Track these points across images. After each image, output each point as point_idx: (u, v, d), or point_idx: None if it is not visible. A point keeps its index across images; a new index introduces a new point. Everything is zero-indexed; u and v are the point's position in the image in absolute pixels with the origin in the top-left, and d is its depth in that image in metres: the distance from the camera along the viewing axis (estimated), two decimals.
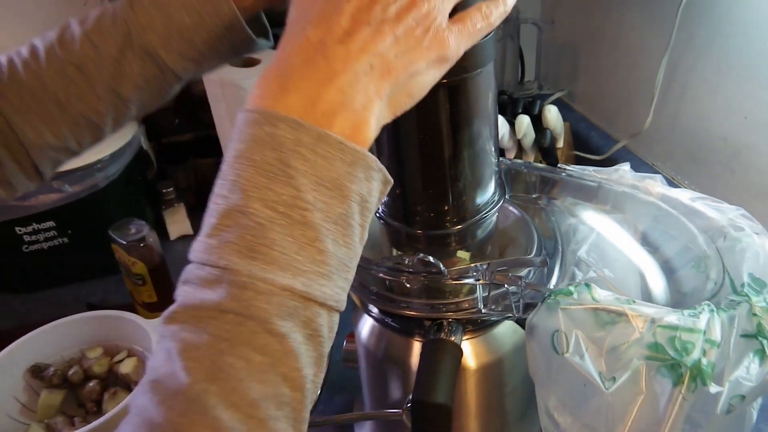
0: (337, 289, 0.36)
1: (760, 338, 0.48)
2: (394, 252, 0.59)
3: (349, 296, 0.39)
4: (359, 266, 0.39)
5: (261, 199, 0.34)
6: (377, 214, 0.58)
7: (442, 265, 0.51)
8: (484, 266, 0.52)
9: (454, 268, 0.52)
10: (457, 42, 0.40)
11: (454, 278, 0.52)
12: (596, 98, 1.28)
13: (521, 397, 0.65)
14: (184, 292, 0.35)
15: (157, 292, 0.93)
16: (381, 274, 0.56)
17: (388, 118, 0.39)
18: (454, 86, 0.48)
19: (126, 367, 0.83)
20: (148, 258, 0.90)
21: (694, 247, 0.59)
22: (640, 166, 1.11)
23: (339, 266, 0.36)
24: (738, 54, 0.89)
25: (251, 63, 0.97)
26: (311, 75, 0.37)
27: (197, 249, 0.35)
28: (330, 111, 0.36)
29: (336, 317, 0.37)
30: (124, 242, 0.89)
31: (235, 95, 0.95)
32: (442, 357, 0.51)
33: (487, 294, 0.52)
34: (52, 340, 0.84)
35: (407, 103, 0.40)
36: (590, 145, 1.21)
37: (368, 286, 0.58)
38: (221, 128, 1.01)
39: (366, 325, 0.63)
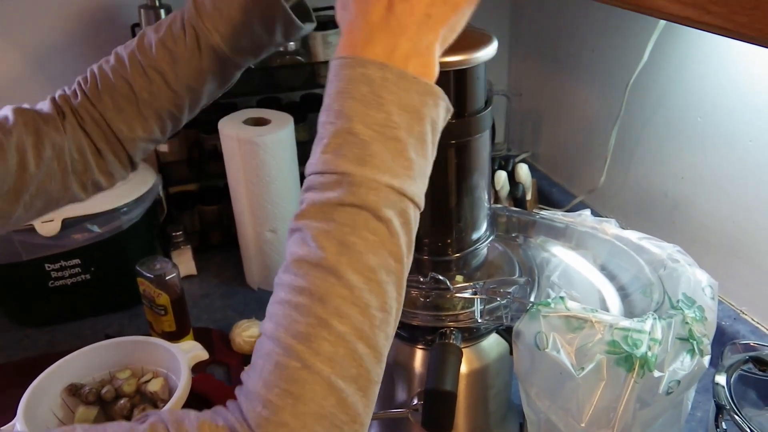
0: (419, 190, 0.47)
1: (691, 340, 0.63)
2: None
3: None
4: None
5: (362, 121, 0.45)
6: None
7: (449, 282, 0.65)
8: (481, 284, 0.66)
9: (457, 285, 0.66)
10: None
11: (458, 293, 0.66)
12: (557, 159, 1.42)
13: (503, 400, 0.78)
14: (309, 196, 0.45)
15: (176, 322, 1.03)
16: None
17: (439, 54, 0.49)
18: (461, 146, 0.63)
19: (154, 386, 0.91)
20: (172, 291, 1.01)
21: (642, 276, 0.73)
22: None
23: (419, 172, 0.47)
24: (675, 124, 1.04)
25: (262, 123, 1.12)
26: (388, 30, 0.47)
27: (315, 162, 0.45)
28: (405, 56, 0.46)
29: (417, 214, 0.47)
30: (151, 276, 1.00)
31: (249, 150, 1.08)
32: (447, 356, 0.64)
33: (483, 307, 0.66)
34: (84, 363, 0.92)
35: (451, 38, 0.50)
36: (552, 199, 1.36)
37: None
38: (233, 178, 1.13)
39: None
